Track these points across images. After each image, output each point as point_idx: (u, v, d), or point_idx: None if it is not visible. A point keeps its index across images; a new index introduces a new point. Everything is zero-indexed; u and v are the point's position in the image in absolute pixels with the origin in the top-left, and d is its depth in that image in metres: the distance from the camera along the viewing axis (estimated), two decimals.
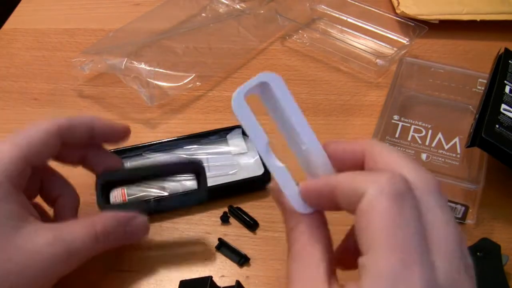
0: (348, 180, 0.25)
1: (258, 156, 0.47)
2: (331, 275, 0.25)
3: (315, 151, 0.30)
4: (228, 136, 0.49)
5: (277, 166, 0.29)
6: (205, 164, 0.47)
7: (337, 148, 0.29)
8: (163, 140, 0.48)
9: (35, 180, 0.37)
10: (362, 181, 0.24)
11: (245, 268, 0.40)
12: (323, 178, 0.28)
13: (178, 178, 0.45)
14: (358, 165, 0.27)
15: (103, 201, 0.41)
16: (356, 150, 0.28)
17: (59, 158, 0.38)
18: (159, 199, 0.43)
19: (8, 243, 0.31)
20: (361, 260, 0.23)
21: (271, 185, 0.30)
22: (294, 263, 0.26)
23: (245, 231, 0.43)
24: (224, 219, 0.43)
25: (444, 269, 0.22)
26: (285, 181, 0.29)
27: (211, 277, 0.37)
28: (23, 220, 0.32)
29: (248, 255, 0.40)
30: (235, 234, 0.42)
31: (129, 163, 0.47)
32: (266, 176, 0.45)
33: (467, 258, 0.24)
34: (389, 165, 0.26)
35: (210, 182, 0.45)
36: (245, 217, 0.43)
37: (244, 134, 0.49)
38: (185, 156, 0.48)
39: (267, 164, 0.29)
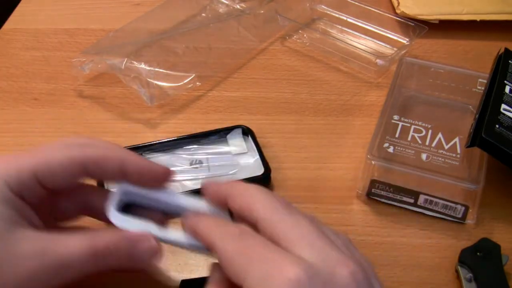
0: (238, 199, 0.31)
1: (258, 156, 0.47)
2: None
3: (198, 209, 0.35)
4: (228, 136, 0.49)
5: (177, 236, 0.34)
6: (205, 164, 0.47)
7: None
8: (163, 140, 0.48)
9: (54, 201, 0.35)
10: (252, 206, 0.30)
11: None
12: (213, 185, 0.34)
13: (178, 178, 0.45)
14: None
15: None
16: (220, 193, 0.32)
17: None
18: None
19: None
20: None
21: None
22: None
23: None
24: None
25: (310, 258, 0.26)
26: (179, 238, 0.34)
27: None
28: (17, 225, 0.31)
29: None
30: None
31: None
32: (266, 176, 0.45)
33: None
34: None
35: None
36: None
37: (244, 134, 0.49)
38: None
39: (166, 241, 0.34)
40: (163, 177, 0.35)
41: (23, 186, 0.32)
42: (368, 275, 0.28)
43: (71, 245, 0.31)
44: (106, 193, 0.36)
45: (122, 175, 0.34)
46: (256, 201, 0.30)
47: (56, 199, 0.35)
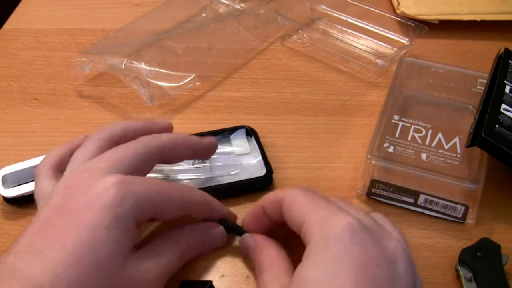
0: (269, 196, 0.37)
1: (260, 157, 0.47)
2: (291, 274, 0.32)
3: None
4: (231, 137, 0.49)
5: None
6: (207, 164, 0.47)
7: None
8: None
9: None
10: (279, 193, 0.36)
11: (245, 268, 0.40)
12: (254, 206, 0.39)
13: (180, 177, 0.45)
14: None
15: None
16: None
17: None
18: None
19: (121, 271, 0.31)
20: (301, 233, 0.32)
21: (243, 244, 0.39)
22: (268, 273, 0.34)
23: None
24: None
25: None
26: None
27: (211, 281, 0.37)
28: (133, 252, 0.33)
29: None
30: None
31: None
32: (268, 177, 0.45)
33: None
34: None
35: (212, 182, 0.45)
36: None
37: (247, 134, 0.49)
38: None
39: None
40: (211, 148, 0.43)
41: (142, 219, 0.34)
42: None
43: (165, 252, 0.35)
44: None
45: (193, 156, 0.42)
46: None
47: None
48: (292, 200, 0.34)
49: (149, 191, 0.34)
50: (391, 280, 0.29)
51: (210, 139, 0.43)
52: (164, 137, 0.39)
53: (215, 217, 0.40)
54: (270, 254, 0.36)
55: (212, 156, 0.45)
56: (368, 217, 0.34)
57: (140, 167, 0.36)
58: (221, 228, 0.39)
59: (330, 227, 0.31)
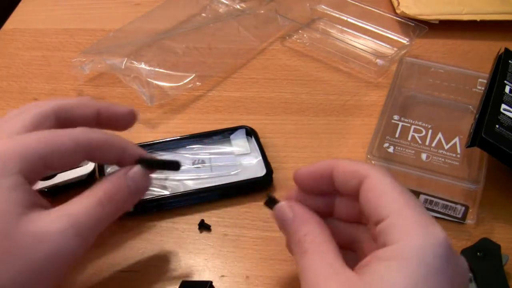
0: (347, 164, 0.32)
1: (260, 157, 0.47)
2: (343, 263, 0.29)
3: None
4: (231, 137, 0.49)
5: None
6: (207, 164, 0.47)
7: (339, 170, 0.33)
8: (166, 139, 0.48)
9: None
10: (361, 166, 0.31)
11: (245, 268, 0.40)
12: (322, 162, 0.33)
13: (179, 177, 0.45)
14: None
15: None
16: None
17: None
18: (161, 199, 0.43)
19: (13, 229, 0.30)
20: (382, 226, 0.28)
21: (278, 214, 0.33)
22: (313, 256, 0.29)
23: (246, 231, 0.43)
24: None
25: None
26: None
27: (211, 282, 0.37)
28: (29, 208, 0.31)
29: (248, 255, 0.41)
30: (235, 234, 0.42)
31: None
32: (268, 178, 0.45)
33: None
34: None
35: (212, 182, 0.45)
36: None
37: (248, 134, 0.49)
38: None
39: None
40: (130, 118, 0.39)
41: (33, 172, 0.32)
42: None
43: (78, 204, 0.32)
44: None
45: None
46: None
47: None
48: (379, 183, 0.30)
49: (32, 144, 0.32)
50: None
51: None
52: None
53: (129, 160, 0.35)
54: (313, 231, 0.31)
55: (212, 156, 0.45)
56: None
57: (54, 160, 0.33)
58: (138, 168, 0.35)
59: (429, 238, 0.27)
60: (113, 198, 0.33)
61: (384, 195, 0.29)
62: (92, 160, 0.37)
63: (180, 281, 0.38)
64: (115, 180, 0.34)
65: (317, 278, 0.28)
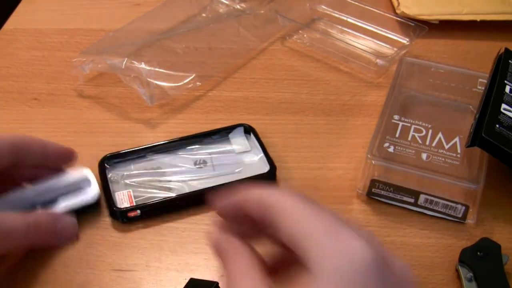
0: (251, 195, 0.29)
1: (262, 154, 0.47)
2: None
3: None
4: (230, 135, 0.49)
5: None
6: (209, 164, 0.47)
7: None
8: (165, 141, 0.48)
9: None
10: (264, 193, 0.29)
11: None
12: (233, 198, 0.30)
13: (183, 179, 0.45)
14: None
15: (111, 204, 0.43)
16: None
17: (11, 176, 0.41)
18: (166, 201, 0.43)
19: None
20: (297, 251, 0.26)
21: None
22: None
23: None
24: None
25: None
26: None
27: (217, 283, 0.37)
28: None
29: None
30: None
31: (133, 166, 0.47)
32: (271, 174, 0.45)
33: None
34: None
35: (217, 181, 0.45)
36: None
37: (246, 132, 0.49)
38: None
39: None
40: (69, 157, 0.43)
41: None
42: None
43: (9, 217, 0.36)
44: None
45: (44, 158, 0.41)
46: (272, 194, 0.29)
47: None
48: (283, 210, 0.28)
49: None
50: None
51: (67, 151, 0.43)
52: (18, 134, 0.41)
53: (53, 157, 0.41)
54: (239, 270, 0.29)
55: (213, 155, 0.45)
56: (375, 239, 0.28)
57: None
58: (72, 219, 0.41)
59: (344, 257, 0.26)
60: (41, 227, 0.38)
61: (290, 222, 0.27)
62: (18, 161, 0.39)
63: (189, 278, 0.37)
64: (47, 215, 0.39)
65: None
